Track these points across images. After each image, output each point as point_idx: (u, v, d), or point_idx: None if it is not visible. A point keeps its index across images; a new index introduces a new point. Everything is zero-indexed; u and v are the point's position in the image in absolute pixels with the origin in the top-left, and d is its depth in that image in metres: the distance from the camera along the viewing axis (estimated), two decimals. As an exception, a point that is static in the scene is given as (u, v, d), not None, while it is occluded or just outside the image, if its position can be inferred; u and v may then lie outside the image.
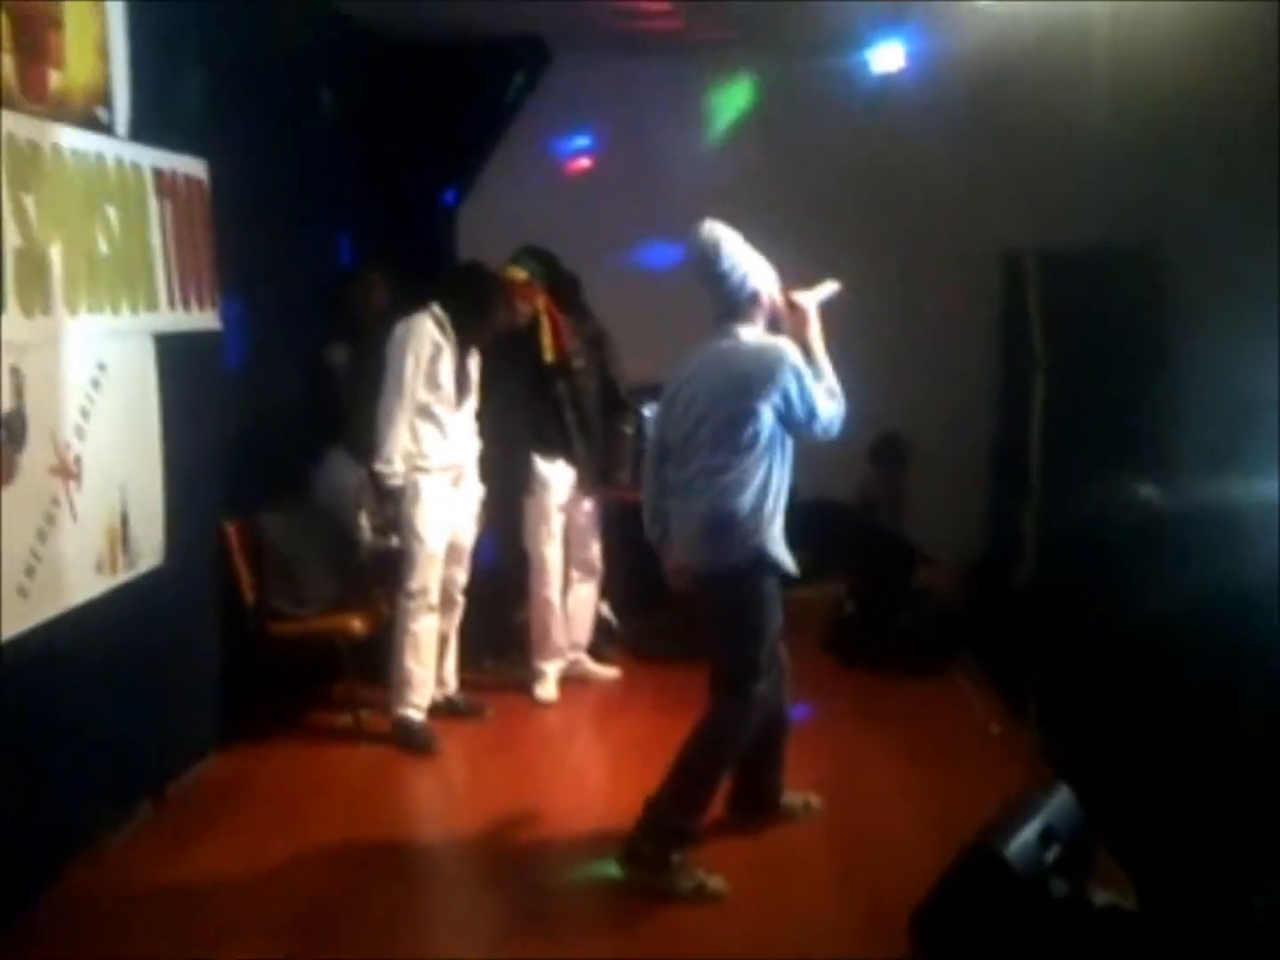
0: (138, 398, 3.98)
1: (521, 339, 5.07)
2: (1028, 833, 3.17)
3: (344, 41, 5.86)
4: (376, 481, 4.72)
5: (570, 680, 5.36)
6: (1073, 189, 6.27)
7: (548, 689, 5.25)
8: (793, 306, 3.76)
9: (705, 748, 3.64)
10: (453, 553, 4.86)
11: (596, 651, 5.53)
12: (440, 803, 4.54)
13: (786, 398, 3.58)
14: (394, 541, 4.91)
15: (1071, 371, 6.26)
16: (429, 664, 4.82)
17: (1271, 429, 4.12)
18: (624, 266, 6.44)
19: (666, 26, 6.09)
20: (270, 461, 4.93)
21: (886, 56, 6.42)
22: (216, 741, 4.57)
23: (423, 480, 4.70)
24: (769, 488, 3.61)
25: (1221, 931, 2.97)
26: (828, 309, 3.84)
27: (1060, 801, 3.36)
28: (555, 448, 5.18)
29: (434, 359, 4.65)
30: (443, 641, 4.93)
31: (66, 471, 3.52)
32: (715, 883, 3.55)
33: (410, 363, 4.62)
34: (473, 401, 4.87)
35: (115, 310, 3.76)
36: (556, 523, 5.23)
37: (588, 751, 4.99)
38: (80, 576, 3.62)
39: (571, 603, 5.38)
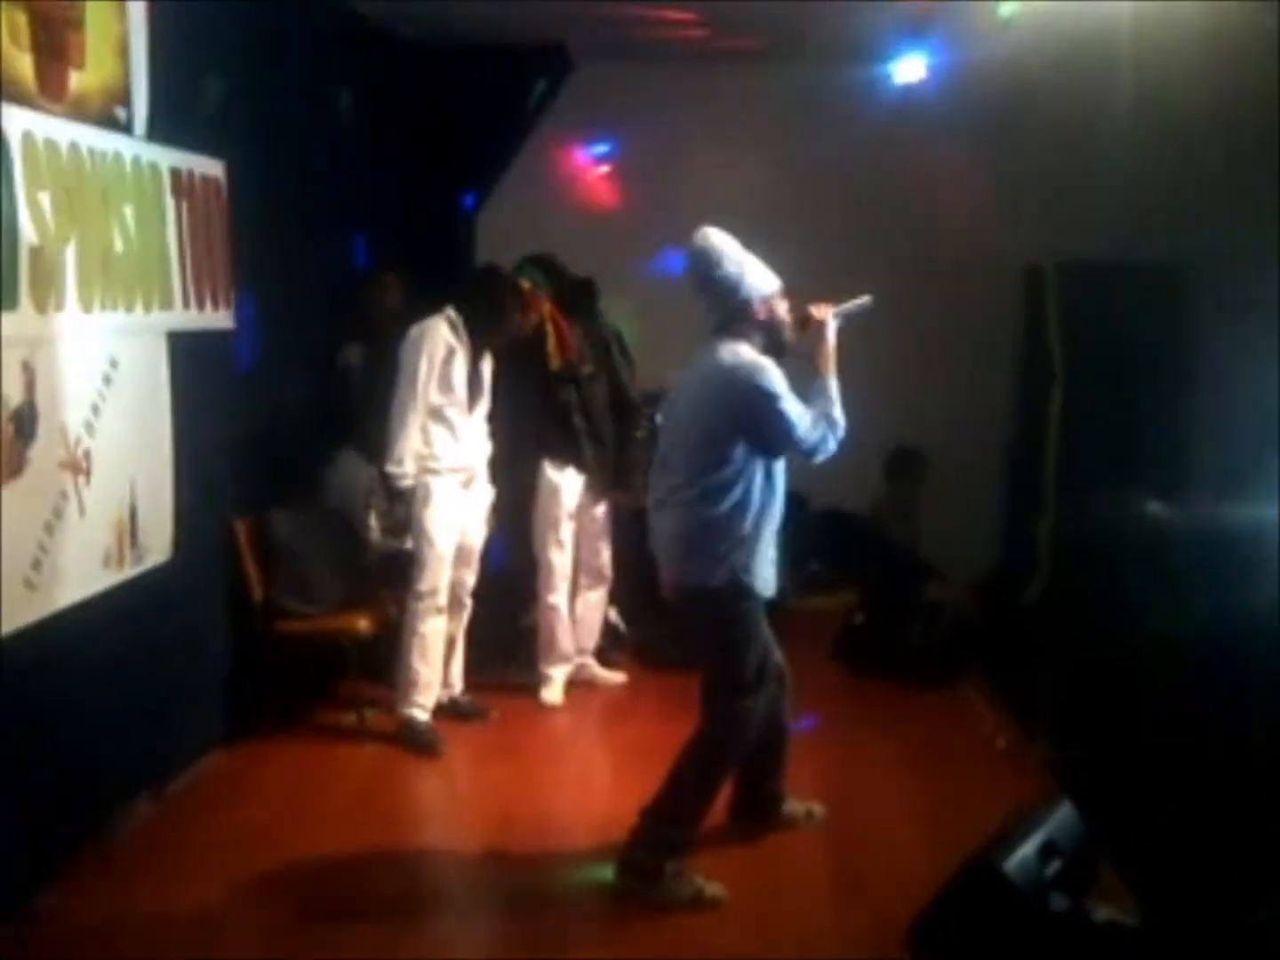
0: (149, 395, 4.01)
1: (530, 346, 5.08)
2: (1028, 847, 3.15)
3: (365, 44, 5.89)
4: (387, 483, 4.75)
5: (577, 685, 5.37)
6: (1094, 202, 6.26)
7: (553, 693, 5.26)
8: (807, 322, 3.69)
9: (697, 760, 3.62)
10: (461, 555, 4.87)
11: (604, 657, 5.53)
12: (443, 804, 4.55)
13: (754, 421, 3.48)
14: (403, 543, 4.95)
15: (1089, 385, 6.25)
16: (436, 665, 4.83)
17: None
18: (642, 273, 6.46)
19: (689, 36, 6.11)
20: (281, 460, 4.96)
21: (908, 68, 6.43)
22: (221, 737, 4.59)
23: (433, 482, 4.71)
24: (745, 509, 3.52)
25: (1225, 947, 2.94)
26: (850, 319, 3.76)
27: (1062, 816, 3.33)
28: (564, 454, 5.19)
29: (447, 362, 4.66)
30: (450, 643, 4.94)
31: (76, 466, 3.55)
32: (713, 889, 3.54)
33: (424, 365, 4.64)
34: (485, 405, 4.89)
35: (129, 308, 3.80)
36: (565, 529, 5.23)
37: (591, 756, 5.00)
38: (88, 571, 3.65)
39: (580, 608, 5.39)
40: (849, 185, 6.69)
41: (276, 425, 4.97)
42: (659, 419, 3.89)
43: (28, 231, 3.23)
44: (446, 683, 4.99)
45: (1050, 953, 2.99)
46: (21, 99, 3.21)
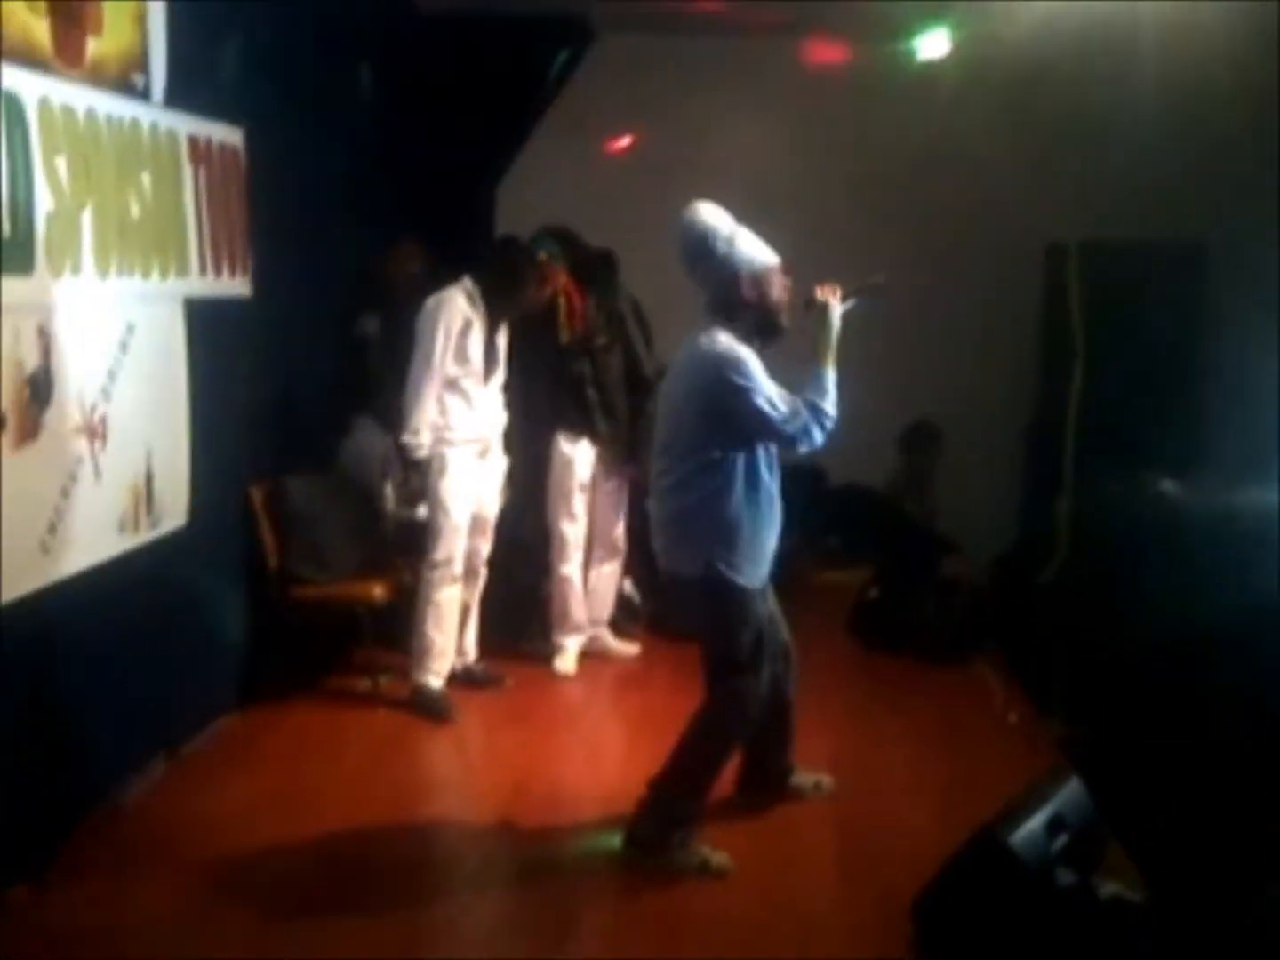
0: (166, 361, 4.03)
1: (545, 317, 5.08)
2: (1035, 822, 3.16)
3: (385, 12, 5.88)
4: (403, 453, 4.76)
5: (590, 655, 5.39)
6: (1120, 181, 6.21)
7: (566, 662, 5.28)
8: (811, 304, 3.58)
9: (700, 736, 3.62)
10: (476, 524, 4.88)
11: (618, 628, 5.55)
12: (454, 770, 4.59)
13: (725, 413, 3.42)
14: (418, 512, 4.97)
15: (1110, 364, 6.21)
16: (450, 633, 4.86)
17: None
18: (662, 247, 6.42)
19: (711, 8, 6.07)
20: (298, 428, 4.99)
21: (932, 43, 6.37)
22: (236, 702, 4.63)
23: (449, 452, 4.72)
24: (723, 499, 3.46)
25: (1231, 925, 2.94)
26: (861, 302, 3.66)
27: (1070, 792, 3.34)
28: (578, 426, 5.19)
29: (464, 333, 4.67)
30: (464, 612, 4.96)
31: (92, 431, 3.57)
32: (720, 860, 3.56)
33: (440, 336, 4.64)
34: (500, 376, 4.89)
35: (145, 274, 3.81)
36: (578, 501, 5.24)
37: (603, 725, 5.02)
38: (103, 535, 3.67)
39: (594, 580, 5.40)
40: (871, 161, 6.64)
41: (293, 393, 4.99)
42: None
43: (44, 197, 3.23)
44: (460, 651, 5.02)
45: (1055, 927, 2.99)
46: (38, 64, 3.21)
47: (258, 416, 4.69)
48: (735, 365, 3.40)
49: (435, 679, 4.81)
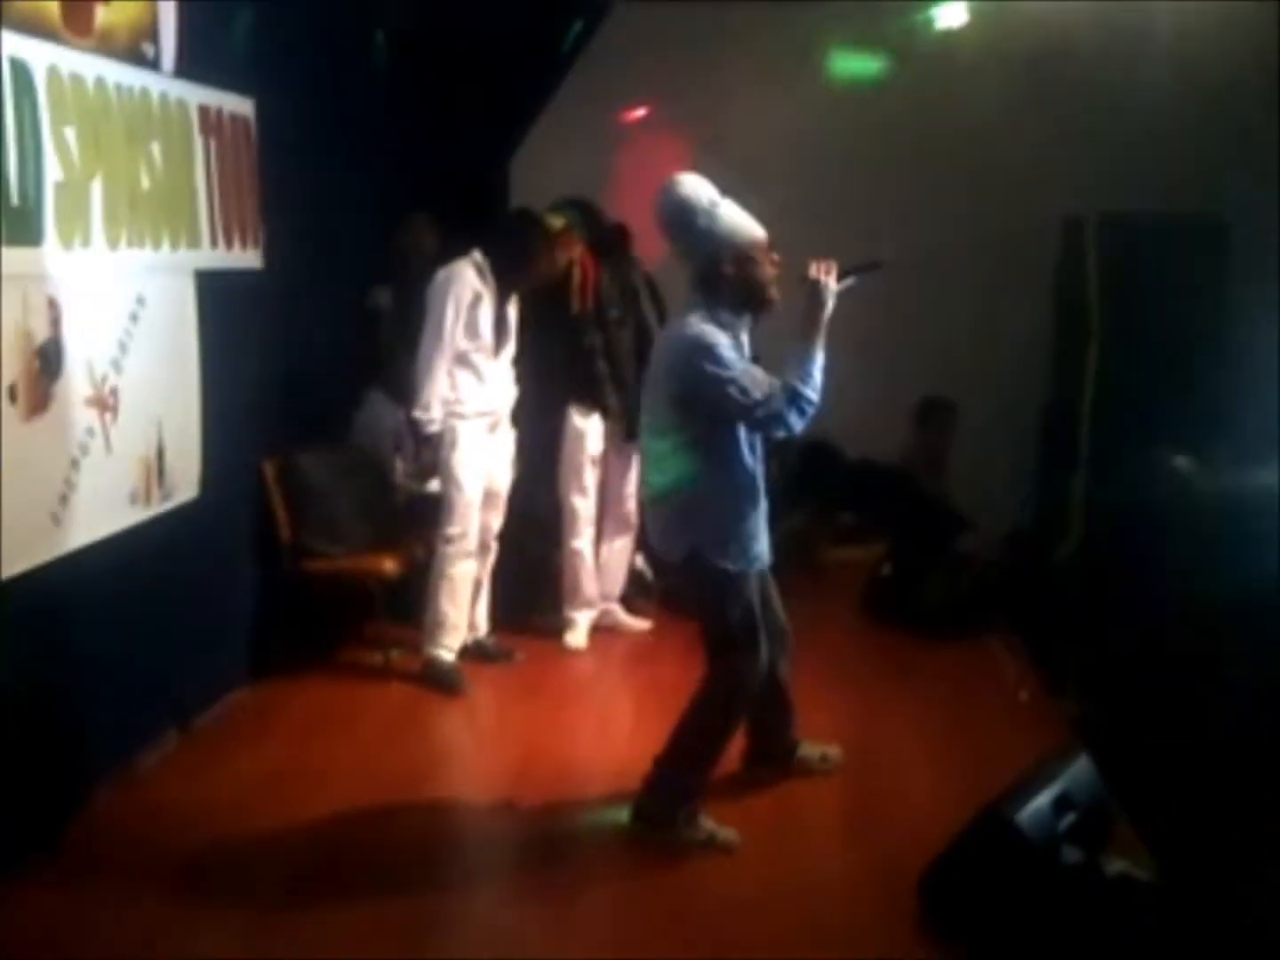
0: (177, 333, 4.03)
1: (557, 290, 5.05)
2: (1041, 799, 3.16)
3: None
4: (414, 428, 4.76)
5: (601, 630, 5.39)
6: (1138, 154, 6.15)
7: (577, 637, 5.29)
8: (804, 281, 3.43)
9: (700, 714, 3.60)
10: (488, 499, 4.88)
11: (629, 603, 5.54)
12: (464, 744, 4.61)
13: (695, 396, 3.34)
14: (430, 486, 4.97)
15: (1128, 340, 6.14)
16: (464, 608, 4.87)
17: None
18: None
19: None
20: (310, 401, 4.98)
21: (950, 12, 6.31)
22: (247, 675, 4.65)
23: (460, 426, 4.71)
24: (706, 481, 3.41)
25: (1238, 905, 2.94)
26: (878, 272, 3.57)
27: (1078, 769, 3.33)
28: (589, 399, 5.17)
29: (473, 307, 4.65)
30: (475, 586, 4.97)
31: (102, 403, 3.58)
32: (726, 835, 3.56)
33: (450, 310, 4.62)
34: (510, 349, 4.87)
35: (156, 246, 3.80)
36: (589, 475, 5.23)
37: (613, 700, 5.02)
38: (114, 507, 3.69)
39: (605, 555, 5.40)
40: (888, 132, 6.58)
41: (305, 366, 4.98)
42: None
43: (53, 167, 3.23)
44: (472, 625, 5.02)
45: (1061, 905, 2.99)
46: (47, 33, 3.20)
47: (269, 389, 4.68)
48: (706, 351, 3.31)
49: (447, 653, 4.82)
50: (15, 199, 3.08)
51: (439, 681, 4.77)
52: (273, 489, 4.72)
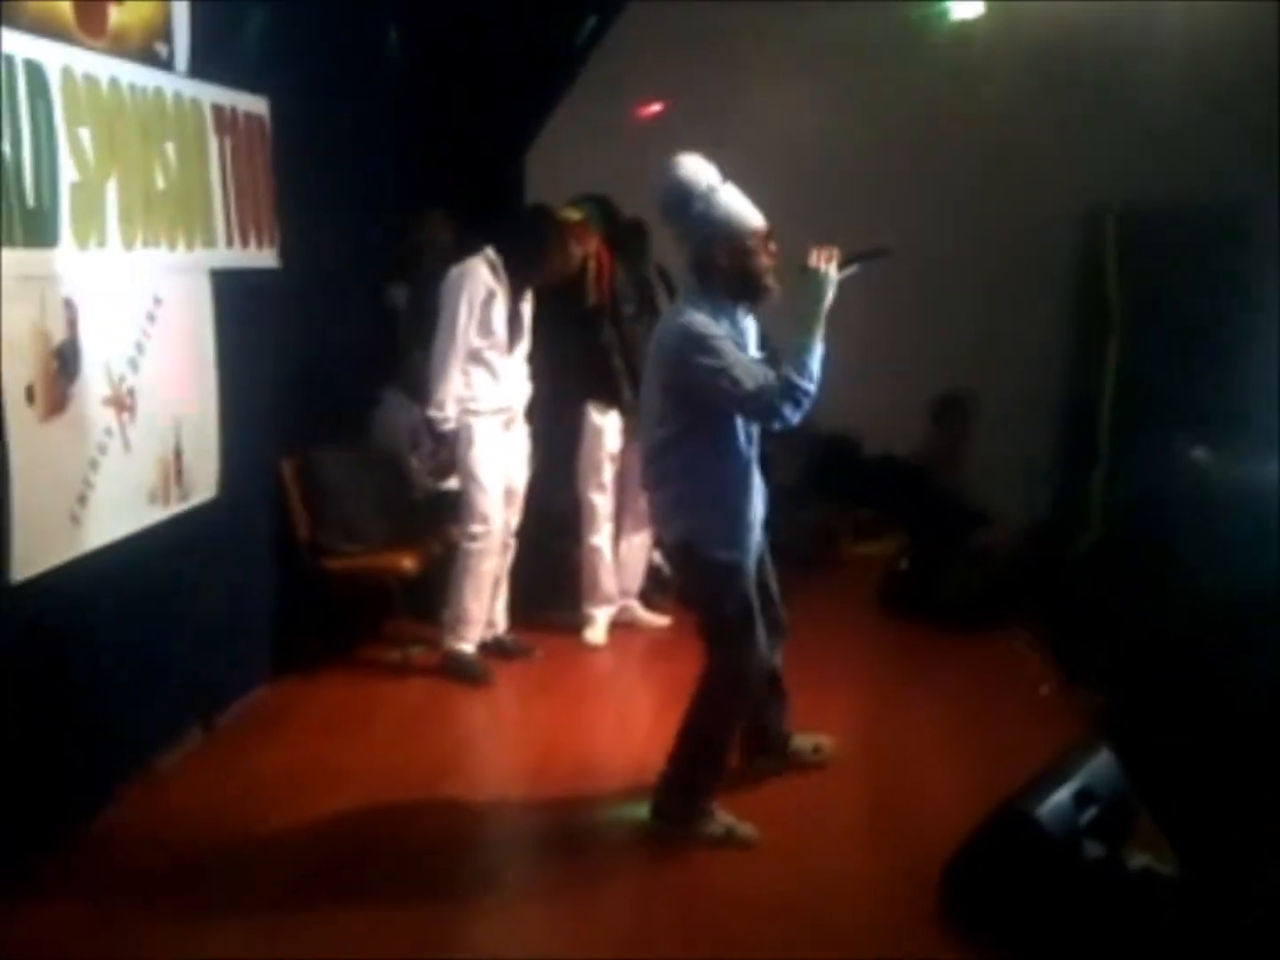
0: (193, 333, 4.04)
1: (573, 286, 5.05)
2: (1062, 793, 3.14)
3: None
4: (430, 426, 4.76)
5: (620, 626, 5.39)
6: (1156, 146, 6.10)
7: (596, 633, 5.29)
8: (804, 270, 3.31)
9: (701, 709, 3.59)
10: (505, 496, 4.88)
11: (648, 599, 5.54)
12: (483, 740, 4.60)
13: (685, 387, 3.31)
14: (449, 483, 4.97)
15: (1148, 333, 6.10)
16: (485, 603, 4.90)
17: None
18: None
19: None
20: (328, 400, 4.98)
21: (966, 4, 6.27)
22: (268, 673, 4.66)
23: (475, 424, 4.72)
24: (692, 471, 3.39)
25: (1259, 899, 2.91)
26: (881, 261, 3.47)
27: (1099, 763, 3.32)
28: (606, 396, 5.17)
29: (487, 304, 4.65)
30: (494, 583, 4.97)
31: (120, 403, 3.59)
32: (745, 830, 3.56)
33: (464, 308, 4.63)
34: (525, 345, 4.87)
35: (171, 245, 3.81)
36: (607, 471, 5.23)
37: (632, 696, 5.02)
38: (133, 506, 3.70)
39: (624, 551, 5.39)
40: (904, 126, 6.55)
41: (322, 364, 4.98)
42: None
43: (68, 168, 3.24)
44: (491, 622, 5.03)
45: (1082, 899, 2.97)
46: (60, 34, 3.21)
47: (287, 388, 4.69)
48: (698, 342, 3.26)
49: (469, 645, 4.84)
50: (31, 201, 3.09)
51: (463, 673, 4.78)
52: (291, 488, 4.74)
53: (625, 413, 5.19)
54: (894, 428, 6.64)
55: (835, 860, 3.53)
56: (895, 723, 4.49)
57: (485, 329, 4.67)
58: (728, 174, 3.45)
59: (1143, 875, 3.06)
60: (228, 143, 4.13)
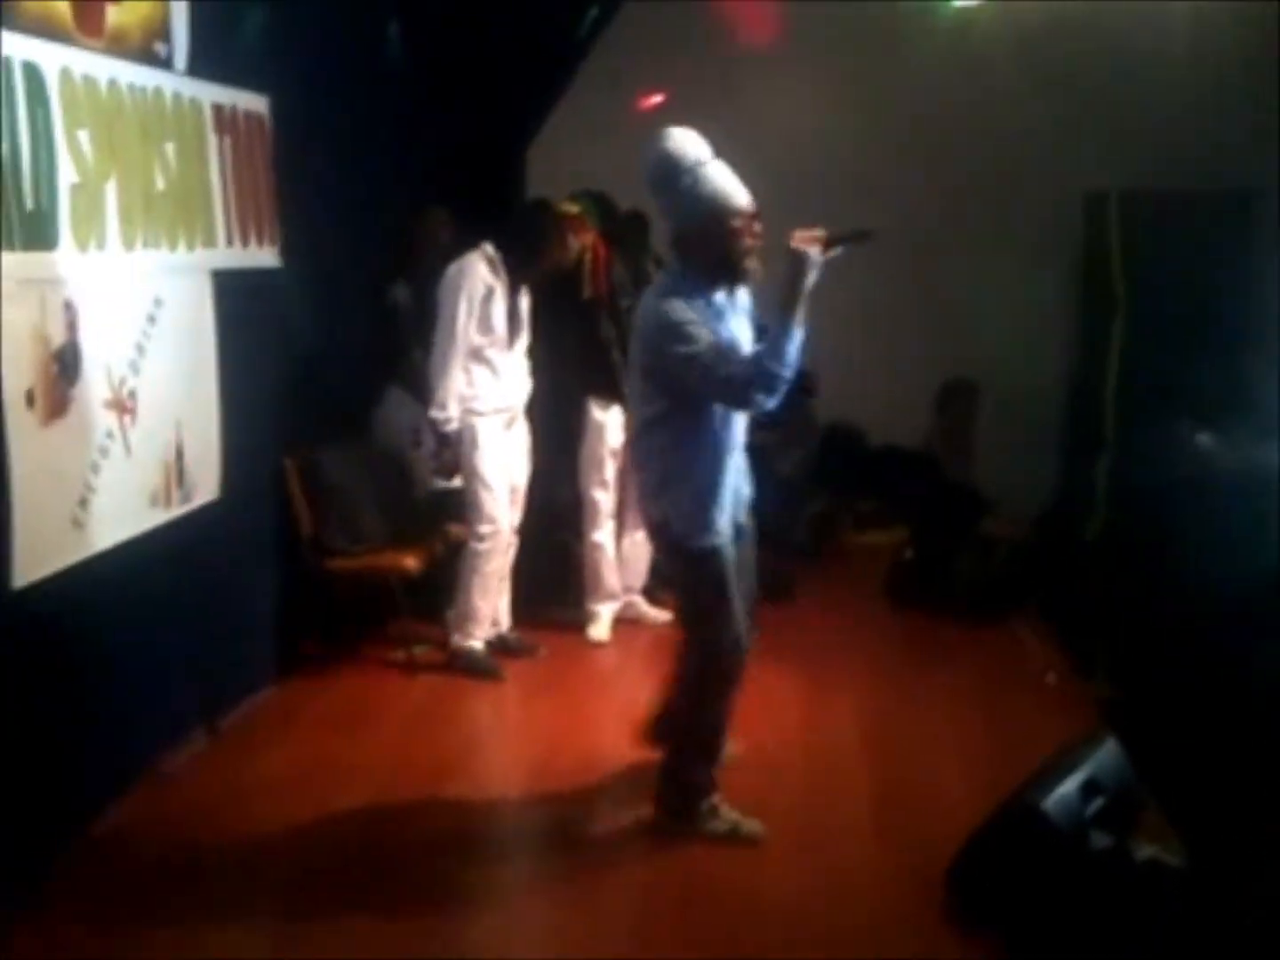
0: (194, 334, 4.03)
1: (570, 277, 5.04)
2: (1069, 785, 3.14)
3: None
4: (433, 426, 4.75)
5: (623, 622, 5.38)
6: (1161, 129, 6.10)
7: (600, 630, 5.28)
8: (788, 253, 3.19)
9: (682, 700, 3.58)
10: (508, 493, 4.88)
11: (651, 594, 5.53)
12: (489, 738, 4.60)
13: (660, 367, 3.28)
14: (454, 482, 4.96)
15: (1153, 317, 6.09)
16: (492, 601, 4.91)
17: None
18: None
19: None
20: (330, 399, 4.98)
21: (969, -9, 6.26)
22: (273, 674, 4.66)
23: (478, 423, 4.71)
24: (671, 452, 3.35)
25: (1267, 890, 2.91)
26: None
27: (1105, 755, 3.31)
28: (608, 391, 5.15)
29: (486, 301, 4.64)
30: (499, 580, 4.97)
31: (121, 406, 3.58)
32: (750, 825, 3.55)
33: (463, 306, 4.62)
34: (524, 339, 4.87)
35: (172, 246, 3.80)
36: (609, 467, 5.22)
37: (636, 692, 4.95)
38: (135, 509, 3.70)
39: (626, 546, 5.38)
40: (907, 113, 6.54)
41: (324, 364, 4.98)
42: None
43: (67, 169, 3.23)
44: (494, 620, 5.03)
45: (1089, 890, 2.97)
46: (59, 35, 3.20)
47: (288, 387, 4.69)
48: (672, 329, 3.21)
49: (477, 642, 4.85)
50: (30, 203, 3.08)
51: (475, 669, 4.79)
52: (294, 487, 4.73)
53: (626, 407, 5.18)
54: (898, 417, 6.63)
55: (841, 855, 3.53)
56: (901, 712, 4.49)
57: (485, 325, 4.66)
58: (729, 163, 3.38)
59: (1150, 866, 3.06)
60: (228, 142, 4.12)
